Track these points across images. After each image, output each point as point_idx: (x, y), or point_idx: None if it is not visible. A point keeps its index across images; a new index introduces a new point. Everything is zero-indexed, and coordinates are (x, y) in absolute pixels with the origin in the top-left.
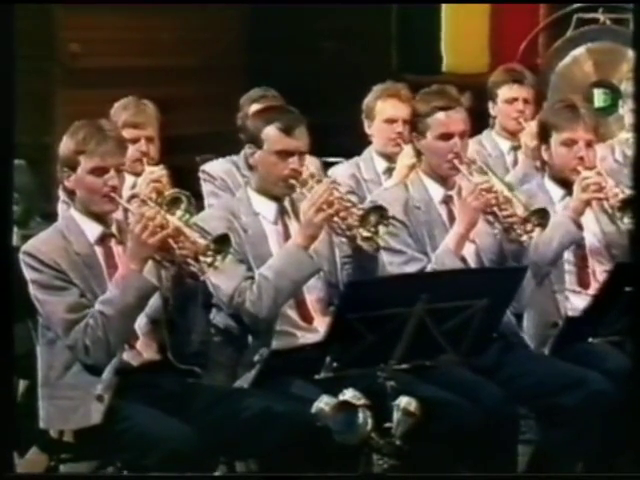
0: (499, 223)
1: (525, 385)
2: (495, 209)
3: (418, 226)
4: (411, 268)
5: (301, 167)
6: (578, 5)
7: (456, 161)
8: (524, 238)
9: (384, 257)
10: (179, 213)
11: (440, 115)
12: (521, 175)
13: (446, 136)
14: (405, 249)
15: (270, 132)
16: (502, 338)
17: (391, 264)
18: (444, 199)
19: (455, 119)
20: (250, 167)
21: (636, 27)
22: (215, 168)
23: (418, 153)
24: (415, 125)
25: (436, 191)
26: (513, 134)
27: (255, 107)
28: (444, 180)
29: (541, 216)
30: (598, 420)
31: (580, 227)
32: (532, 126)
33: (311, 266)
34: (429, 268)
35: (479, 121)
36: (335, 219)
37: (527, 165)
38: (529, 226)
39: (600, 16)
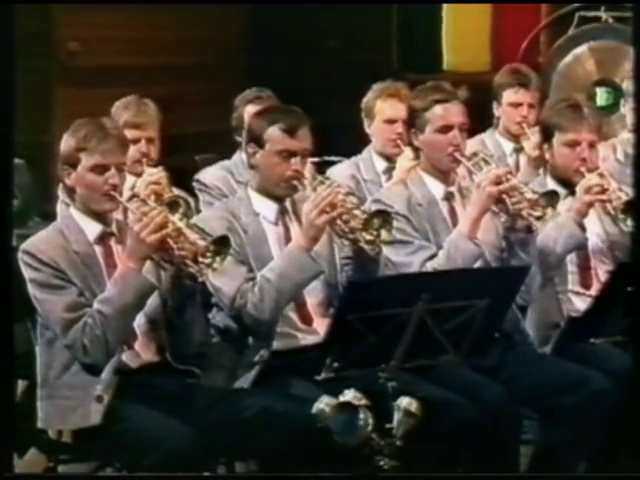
0: (507, 211)
1: (527, 385)
2: (505, 196)
3: (421, 222)
4: (420, 257)
5: (303, 168)
6: (580, 3)
7: (457, 154)
8: (533, 221)
9: (390, 253)
10: (177, 217)
11: (438, 108)
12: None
13: (445, 128)
14: (412, 239)
15: (273, 132)
16: (504, 337)
17: (397, 255)
18: (445, 196)
19: (454, 111)
20: (251, 167)
21: (637, 26)
22: (209, 177)
23: (416, 150)
24: (413, 121)
25: (437, 188)
26: (516, 137)
27: (250, 108)
28: (444, 176)
29: (550, 197)
30: (600, 420)
31: (583, 229)
32: (535, 135)
33: (313, 268)
34: (440, 253)
35: (481, 120)
36: (337, 221)
37: (529, 174)
38: (539, 209)
39: (602, 14)
